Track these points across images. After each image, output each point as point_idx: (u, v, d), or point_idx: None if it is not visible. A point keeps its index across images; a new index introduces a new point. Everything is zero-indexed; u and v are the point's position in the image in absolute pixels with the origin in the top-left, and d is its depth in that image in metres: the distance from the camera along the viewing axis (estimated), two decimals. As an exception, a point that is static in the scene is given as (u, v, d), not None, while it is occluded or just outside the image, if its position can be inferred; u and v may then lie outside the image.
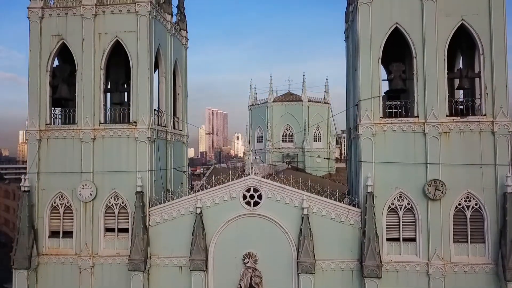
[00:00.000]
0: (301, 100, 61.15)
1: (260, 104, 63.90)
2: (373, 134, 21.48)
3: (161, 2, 26.45)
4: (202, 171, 67.24)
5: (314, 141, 61.71)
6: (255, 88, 66.69)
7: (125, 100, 26.28)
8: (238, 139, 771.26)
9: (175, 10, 29.09)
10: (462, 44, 23.56)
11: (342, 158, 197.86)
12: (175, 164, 27.31)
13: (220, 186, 22.60)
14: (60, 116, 24.62)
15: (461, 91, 24.52)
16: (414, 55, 21.65)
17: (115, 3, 23.71)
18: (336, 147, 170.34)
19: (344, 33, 28.55)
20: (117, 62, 25.23)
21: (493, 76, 20.90)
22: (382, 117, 21.78)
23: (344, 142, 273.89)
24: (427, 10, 21.48)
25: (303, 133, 60.27)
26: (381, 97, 21.82)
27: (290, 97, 63.55)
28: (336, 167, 64.73)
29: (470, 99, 21.75)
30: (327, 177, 61.39)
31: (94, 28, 23.66)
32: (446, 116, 21.28)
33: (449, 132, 21.12)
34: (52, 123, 24.11)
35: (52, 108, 24.71)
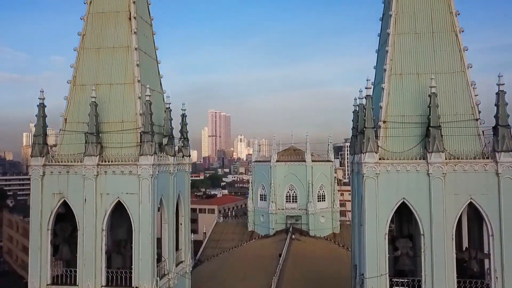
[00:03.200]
0: (305, 161, 60.68)
1: (263, 162, 63.52)
2: (380, 314, 21.06)
3: (163, 144, 26.11)
4: (204, 233, 66.42)
5: (318, 200, 61.27)
6: (258, 143, 66.43)
7: (128, 259, 25.87)
8: (241, 141, 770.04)
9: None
10: (471, 218, 23.09)
11: (346, 178, 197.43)
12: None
13: None
14: (61, 275, 24.25)
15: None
16: (421, 232, 21.21)
17: (116, 163, 23.35)
18: (339, 168, 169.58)
19: (349, 165, 28.13)
20: (119, 220, 24.88)
21: (503, 260, 20.44)
22: (389, 295, 21.35)
23: (347, 154, 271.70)
24: (434, 187, 21.04)
25: (307, 194, 59.83)
26: (387, 275, 21.38)
27: (293, 155, 63.14)
28: (340, 224, 64.24)
29: (480, 281, 21.25)
30: (331, 237, 61.18)
31: (95, 188, 23.33)
32: (455, 298, 20.83)
33: (457, 316, 20.69)
34: (53, 283, 23.81)
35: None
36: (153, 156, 23.11)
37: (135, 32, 25.31)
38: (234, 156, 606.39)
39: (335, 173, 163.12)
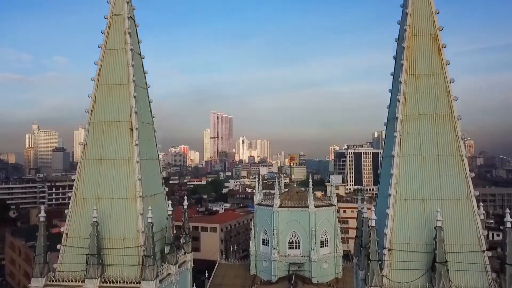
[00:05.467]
0: (307, 207, 60.33)
1: (265, 205, 63.16)
2: None
3: (165, 253, 25.89)
4: (206, 278, 65.78)
5: (321, 246, 60.93)
6: (262, 184, 66.17)
7: None
8: (243, 142, 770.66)
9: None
10: None
11: (350, 190, 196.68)
12: None
13: None
14: None
15: None
16: None
17: (118, 286, 23.11)
18: (342, 185, 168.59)
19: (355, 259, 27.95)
20: None
21: None
22: None
23: (349, 161, 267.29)
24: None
25: (310, 241, 59.49)
26: None
27: (295, 199, 62.70)
28: (342, 268, 63.86)
29: None
30: (334, 283, 60.89)
31: (97, 311, 23.10)
32: None
33: None
34: None
35: None
36: (154, 281, 22.87)
37: (136, 144, 25.05)
38: (236, 158, 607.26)
39: (337, 189, 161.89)
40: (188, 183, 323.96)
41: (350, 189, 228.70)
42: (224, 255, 78.01)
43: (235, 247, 79.90)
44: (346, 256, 64.34)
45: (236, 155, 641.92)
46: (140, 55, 27.72)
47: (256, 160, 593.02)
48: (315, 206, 60.93)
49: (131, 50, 26.12)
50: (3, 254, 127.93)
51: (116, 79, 25.90)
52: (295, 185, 66.47)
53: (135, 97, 25.54)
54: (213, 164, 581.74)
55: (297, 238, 60.73)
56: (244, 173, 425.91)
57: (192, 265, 29.74)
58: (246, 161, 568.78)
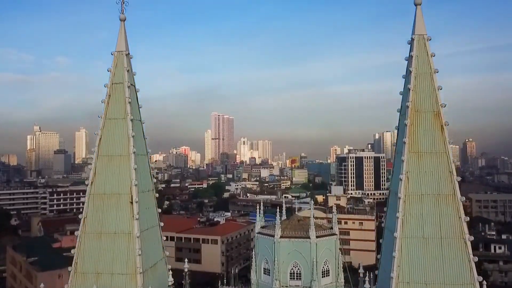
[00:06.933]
0: (309, 237, 60.12)
1: (266, 235, 62.91)
2: None
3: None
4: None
5: (322, 276, 60.76)
6: (262, 212, 65.88)
7: None
8: (244, 143, 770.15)
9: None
10: None
11: (352, 194, 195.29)
12: None
13: None
14: None
15: None
16: None
17: None
18: (343, 196, 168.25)
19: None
20: None
21: None
22: None
23: (350, 166, 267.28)
24: None
25: (311, 271, 59.33)
26: None
27: (297, 228, 62.39)
28: (344, 296, 63.74)
29: None
30: (335, 313, 60.64)
31: None
32: None
33: None
34: None
35: None
36: None
37: (137, 218, 24.87)
38: (237, 159, 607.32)
39: (338, 199, 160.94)
40: (189, 186, 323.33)
41: (351, 193, 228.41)
42: (225, 279, 77.73)
43: (236, 270, 79.53)
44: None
45: (237, 156, 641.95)
46: (141, 121, 27.56)
47: (258, 161, 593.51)
48: (317, 236, 60.75)
49: (131, 120, 25.94)
50: (4, 266, 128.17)
51: (116, 150, 25.72)
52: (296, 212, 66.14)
53: (135, 169, 25.35)
54: (214, 166, 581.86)
55: (298, 269, 60.49)
56: (245, 175, 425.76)
57: None
58: (247, 162, 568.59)
